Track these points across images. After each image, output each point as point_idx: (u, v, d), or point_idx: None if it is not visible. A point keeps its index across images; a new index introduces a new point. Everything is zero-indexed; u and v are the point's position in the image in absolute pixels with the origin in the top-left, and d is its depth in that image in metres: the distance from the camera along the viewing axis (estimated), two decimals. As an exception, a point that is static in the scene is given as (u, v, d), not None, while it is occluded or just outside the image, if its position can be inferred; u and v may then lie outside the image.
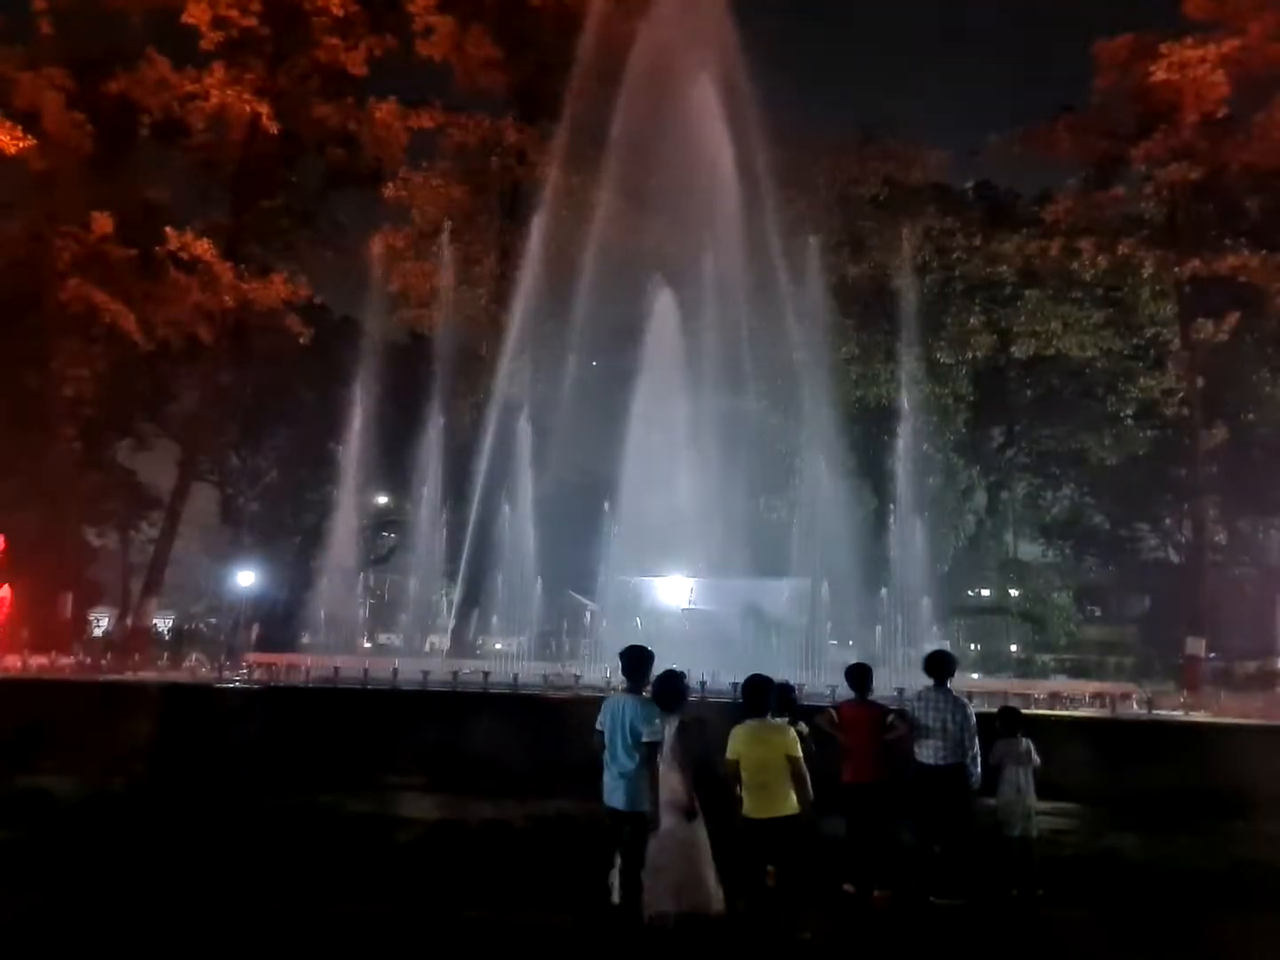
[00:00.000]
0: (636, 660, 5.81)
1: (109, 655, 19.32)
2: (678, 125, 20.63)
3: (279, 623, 34.91)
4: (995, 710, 7.86)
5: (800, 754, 5.72)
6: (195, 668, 16.86)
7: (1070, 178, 27.96)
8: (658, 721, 5.58)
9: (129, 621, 29.55)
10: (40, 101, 23.28)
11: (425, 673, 15.99)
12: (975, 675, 22.35)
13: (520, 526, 30.90)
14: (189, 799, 8.61)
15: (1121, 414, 28.27)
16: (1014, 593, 30.80)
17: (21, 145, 21.80)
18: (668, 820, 5.63)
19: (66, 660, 16.37)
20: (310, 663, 16.75)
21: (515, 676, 15.02)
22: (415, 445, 35.55)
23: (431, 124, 25.84)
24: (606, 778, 5.60)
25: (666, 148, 20.87)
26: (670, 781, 5.74)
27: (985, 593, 32.97)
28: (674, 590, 27.19)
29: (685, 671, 6.28)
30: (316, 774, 9.35)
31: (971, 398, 28.45)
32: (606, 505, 23.35)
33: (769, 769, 5.67)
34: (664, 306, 21.27)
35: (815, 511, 29.20)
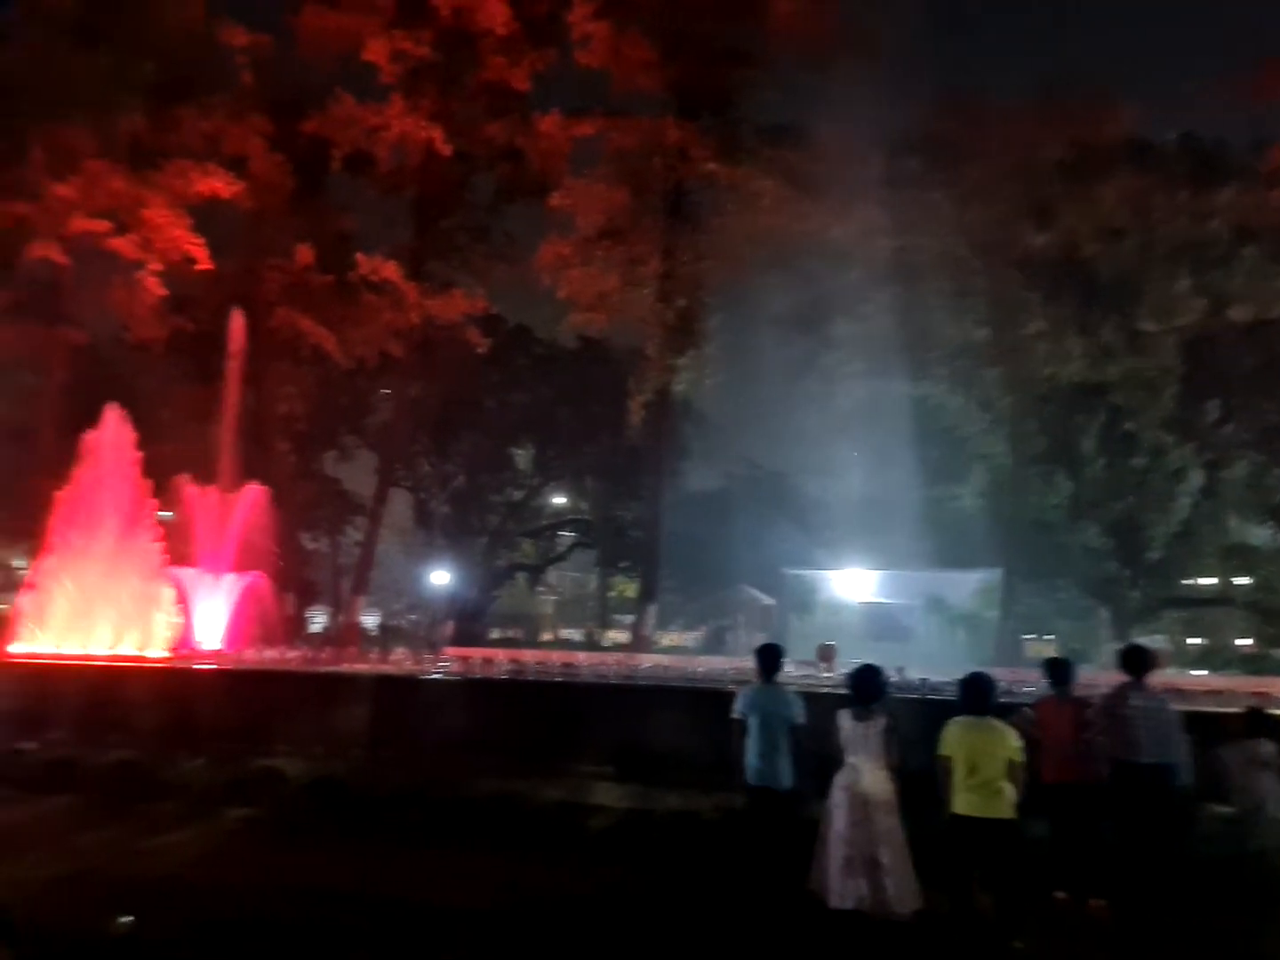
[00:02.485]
0: (773, 656, 6.60)
1: (326, 649, 21.07)
2: (840, 105, 20.02)
3: (470, 619, 36.94)
4: (1229, 711, 7.14)
5: (1023, 757, 5.55)
6: (400, 661, 18.05)
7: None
8: (801, 707, 6.30)
9: (341, 618, 32.12)
10: (246, 147, 25.71)
11: (608, 667, 16.46)
12: (1200, 672, 20.30)
13: (693, 522, 31.17)
14: (398, 781, 9.23)
15: (1366, 381, 24.90)
16: (1240, 581, 27.78)
17: (233, 189, 24.21)
18: (870, 814, 5.64)
19: (293, 654, 18.02)
20: (503, 656, 17.62)
21: (696, 670, 15.18)
22: (588, 446, 36.63)
23: (593, 131, 26.32)
24: (757, 761, 6.14)
25: (830, 129, 20.32)
26: (875, 777, 5.76)
27: (1206, 581, 29.95)
28: (852, 583, 26.45)
29: (881, 667, 6.28)
30: (511, 761, 9.75)
31: (1180, 370, 25.93)
32: (780, 499, 23.09)
33: (986, 768, 5.51)
34: (834, 292, 20.73)
35: (1003, 499, 27.53)
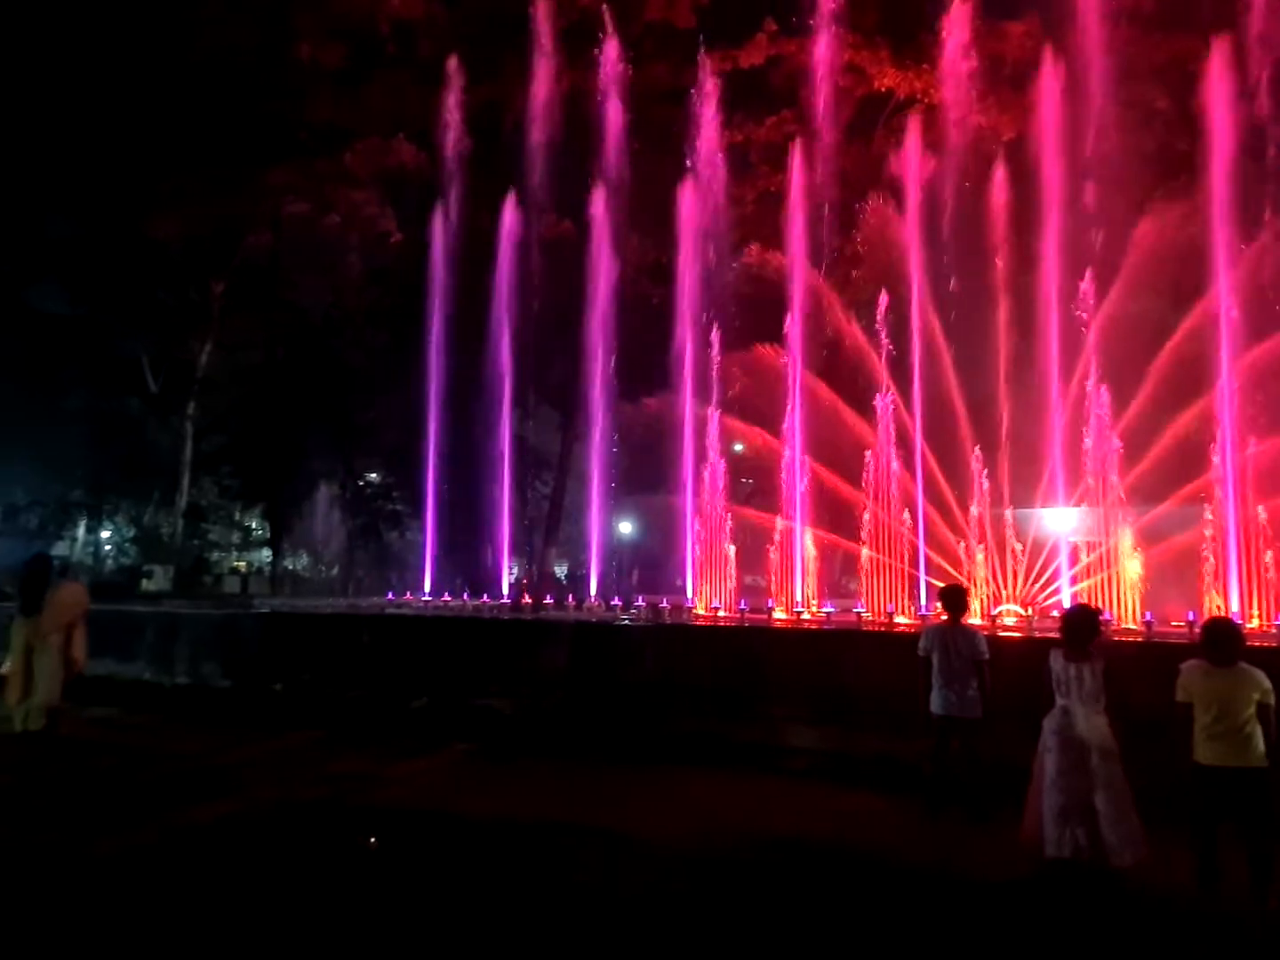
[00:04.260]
0: (957, 597, 7.19)
1: (525, 598, 22.30)
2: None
3: (653, 567, 37.76)
4: None
5: (1273, 700, 5.10)
6: (594, 607, 18.75)
7: None
8: (985, 643, 6.84)
9: (534, 569, 33.80)
10: (426, 118, 26.78)
11: (798, 612, 16.36)
12: None
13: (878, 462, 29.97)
14: (599, 721, 9.64)
15: None
16: None
17: (417, 159, 25.40)
18: (1086, 759, 5.47)
19: (496, 603, 19.26)
20: (690, 603, 17.93)
21: (890, 615, 14.79)
22: (767, 389, 36.03)
23: (760, 60, 25.43)
24: (945, 692, 6.76)
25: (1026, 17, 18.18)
26: (1091, 721, 5.56)
27: None
28: (1060, 521, 24.71)
29: (1099, 609, 6.09)
30: (707, 704, 9.92)
31: None
32: (975, 433, 21.76)
33: (1234, 713, 5.11)
34: (1030, 205, 19.01)
35: (1235, 420, 24.53)
